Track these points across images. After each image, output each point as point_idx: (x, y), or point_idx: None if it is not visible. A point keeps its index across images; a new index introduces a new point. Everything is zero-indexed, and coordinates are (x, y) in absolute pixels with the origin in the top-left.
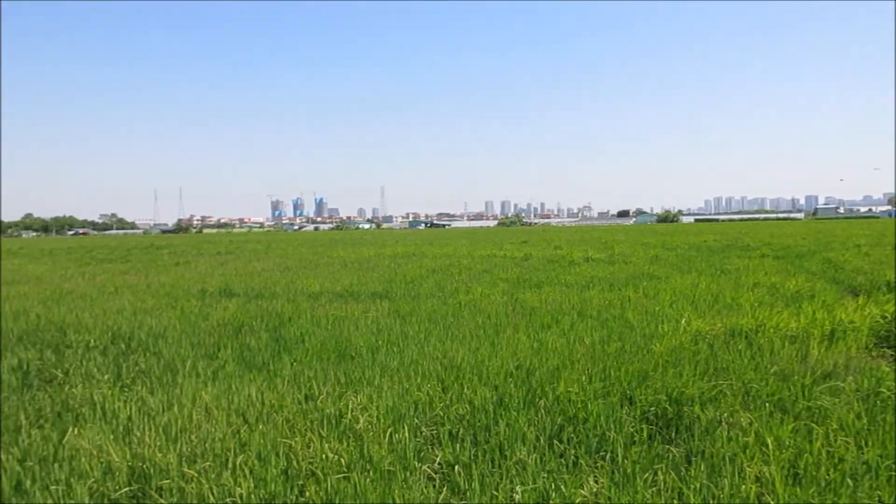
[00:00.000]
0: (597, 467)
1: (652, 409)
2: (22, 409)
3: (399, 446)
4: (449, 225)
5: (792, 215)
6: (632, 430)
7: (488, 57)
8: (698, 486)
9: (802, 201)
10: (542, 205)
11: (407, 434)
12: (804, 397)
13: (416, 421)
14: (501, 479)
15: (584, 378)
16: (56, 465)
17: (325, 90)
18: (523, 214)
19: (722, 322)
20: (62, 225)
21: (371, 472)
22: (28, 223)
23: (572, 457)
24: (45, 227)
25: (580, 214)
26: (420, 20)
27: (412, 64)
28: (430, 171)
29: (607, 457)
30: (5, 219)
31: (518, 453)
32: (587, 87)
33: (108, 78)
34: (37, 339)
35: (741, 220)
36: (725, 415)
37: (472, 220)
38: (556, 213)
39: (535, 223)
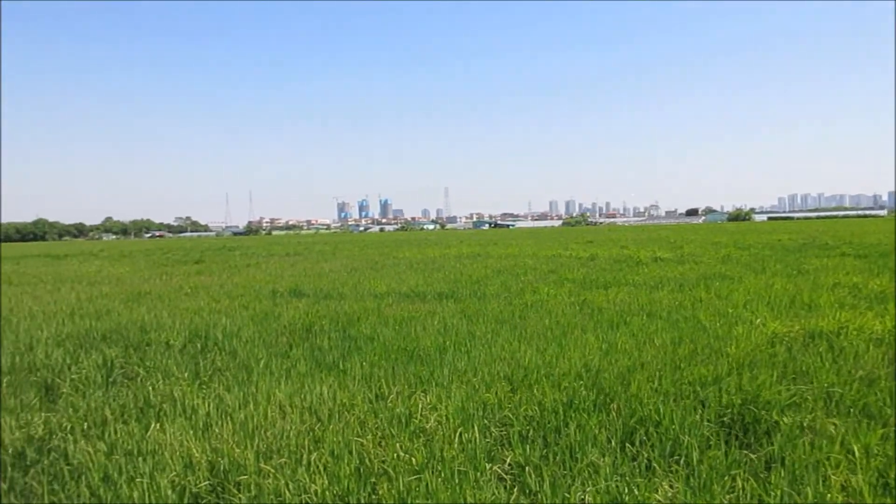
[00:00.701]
0: (671, 471)
1: (727, 412)
2: (107, 404)
3: (469, 446)
4: (513, 225)
5: (874, 212)
6: (706, 433)
7: (552, 57)
8: (779, 493)
9: (885, 198)
10: (608, 204)
11: (477, 434)
12: (893, 403)
13: (486, 421)
14: (573, 481)
15: (655, 380)
16: (140, 459)
17: (389, 92)
18: (588, 214)
19: (800, 324)
20: (140, 228)
21: (442, 472)
22: (108, 226)
23: (645, 460)
24: (124, 229)
25: (646, 213)
26: (483, 22)
27: (476, 65)
28: (494, 171)
29: (682, 461)
30: (87, 221)
31: (589, 455)
32: (654, 86)
33: (181, 86)
34: (119, 337)
35: (818, 217)
36: (807, 420)
37: (536, 220)
38: (621, 212)
39: (601, 223)
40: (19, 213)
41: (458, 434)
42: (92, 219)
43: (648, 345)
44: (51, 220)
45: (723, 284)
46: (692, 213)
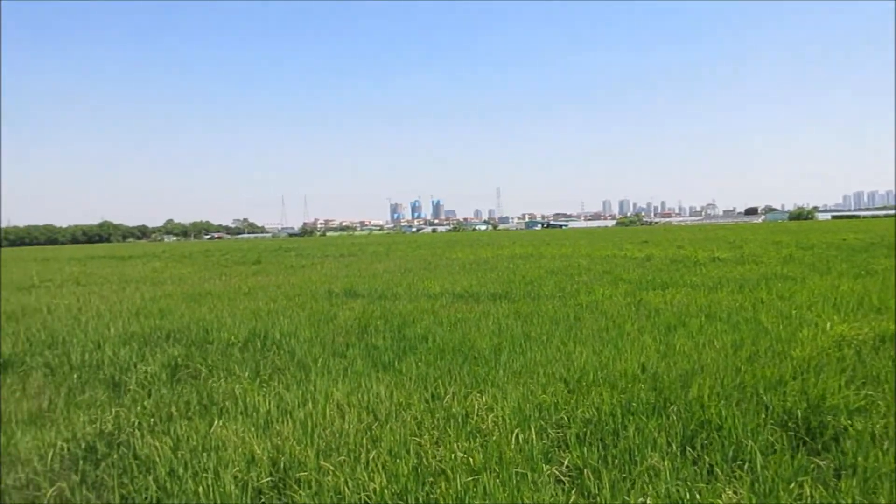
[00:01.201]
0: (734, 476)
1: (791, 417)
2: (172, 401)
3: (526, 447)
4: (566, 225)
5: None
6: (770, 438)
7: (605, 56)
8: (850, 502)
9: None
10: (663, 203)
11: (534, 436)
12: None
13: (542, 423)
14: (632, 485)
15: (716, 383)
16: (205, 455)
17: (441, 93)
18: (643, 213)
19: (870, 326)
20: (199, 229)
21: (500, 473)
22: (169, 228)
23: (707, 465)
24: (184, 231)
25: (703, 213)
26: (533, 22)
27: (528, 65)
28: (546, 171)
29: (745, 466)
30: (149, 224)
31: (649, 459)
32: (708, 85)
33: (238, 90)
34: (182, 336)
35: (885, 216)
36: (878, 427)
37: (589, 219)
38: (676, 211)
39: (656, 222)
40: (87, 215)
41: (514, 435)
42: (154, 221)
43: (708, 347)
44: (115, 222)
45: (785, 285)
46: (751, 212)
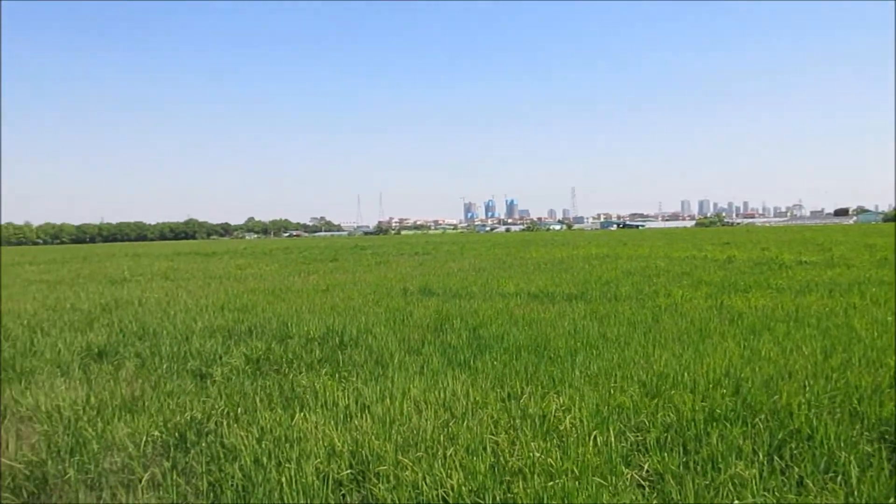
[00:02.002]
0: (826, 489)
1: (888, 428)
2: (255, 393)
3: (605, 450)
4: (642, 225)
5: None
6: (867, 450)
7: (688, 55)
8: None
9: None
10: (745, 203)
11: (612, 438)
12: None
13: (621, 425)
14: (716, 493)
15: (805, 390)
16: (287, 445)
17: (515, 92)
18: (723, 214)
19: None
20: (279, 227)
21: (578, 475)
22: (250, 226)
23: (796, 475)
24: (264, 229)
25: (789, 213)
26: (611, 21)
27: (606, 64)
28: (622, 170)
29: (839, 479)
30: (231, 221)
31: (734, 467)
32: (796, 83)
33: (315, 92)
34: (264, 330)
35: None
36: None
37: (666, 220)
38: (760, 212)
39: (738, 223)
40: (173, 212)
41: (592, 437)
42: (236, 219)
43: (796, 353)
44: (200, 220)
45: (880, 290)
46: (841, 212)
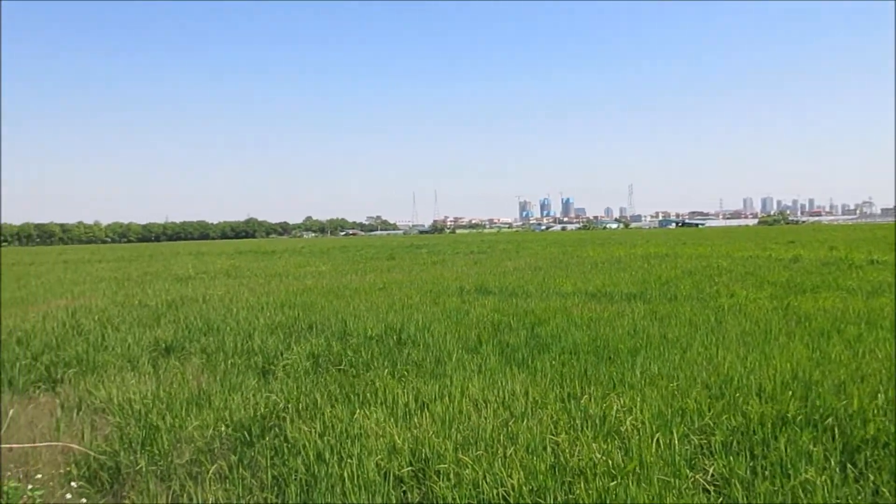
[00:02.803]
0: None
1: None
2: (316, 389)
3: (667, 452)
4: (702, 224)
5: None
6: None
7: (746, 48)
8: None
9: None
10: (811, 201)
11: (676, 441)
12: None
13: (685, 428)
14: (785, 499)
15: (880, 396)
16: (349, 442)
17: (572, 90)
18: (788, 212)
19: None
20: (336, 226)
21: (640, 477)
22: (308, 225)
23: (871, 484)
24: (321, 228)
25: (858, 211)
26: (668, 20)
27: (664, 58)
28: (681, 167)
29: None
30: (290, 220)
31: (804, 473)
32: (864, 74)
33: (370, 94)
34: (323, 328)
35: None
36: None
37: (728, 218)
38: (827, 209)
39: (803, 221)
40: (233, 212)
41: (655, 439)
42: (294, 218)
43: (869, 357)
44: (260, 219)
45: None
46: None
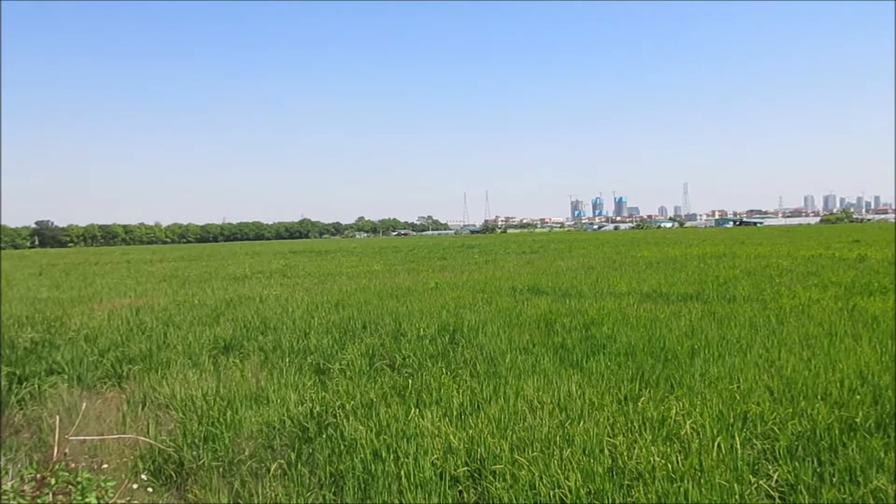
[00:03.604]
0: None
1: None
2: (371, 388)
3: (729, 457)
4: (761, 222)
5: None
6: None
7: (808, 47)
8: None
9: None
10: (876, 198)
11: (738, 445)
12: None
13: (747, 433)
14: None
15: None
16: (404, 441)
17: (627, 88)
18: (851, 209)
19: None
20: (387, 226)
21: (701, 481)
22: (360, 225)
23: None
24: (373, 228)
25: None
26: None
27: (719, 59)
28: (738, 165)
29: None
30: (342, 221)
31: (875, 481)
32: None
33: (426, 95)
34: (377, 327)
35: None
36: None
37: (788, 216)
38: (894, 207)
39: (869, 219)
40: (288, 212)
41: (716, 443)
42: (346, 218)
43: None
44: (313, 219)
45: None
46: None
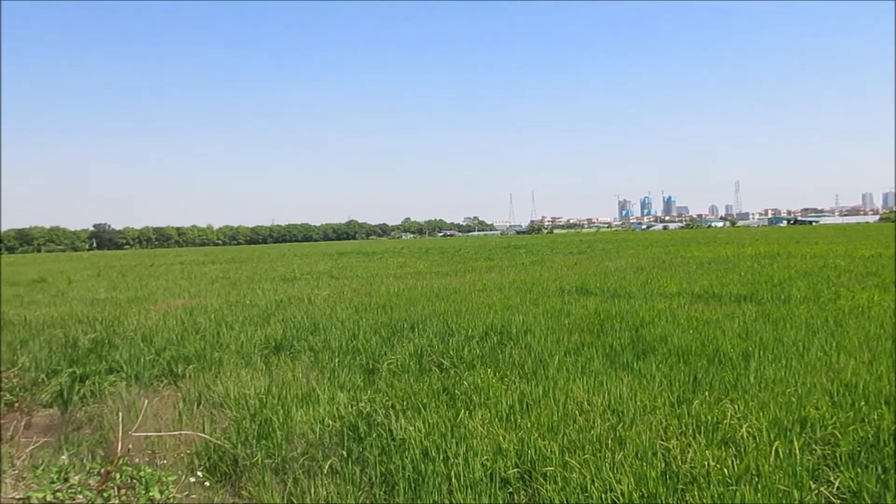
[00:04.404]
0: None
1: None
2: (420, 388)
3: (787, 462)
4: (816, 221)
5: None
6: None
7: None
8: None
9: None
10: None
11: (797, 450)
12: None
13: (805, 437)
14: None
15: None
16: (454, 441)
17: (675, 85)
18: None
19: None
20: (433, 227)
21: (759, 486)
22: (406, 226)
23: None
24: (419, 229)
25: None
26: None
27: (771, 55)
28: (792, 162)
29: None
30: (389, 222)
31: None
32: None
33: (470, 96)
34: (425, 328)
35: None
36: None
37: (845, 215)
38: None
39: None
40: (337, 215)
41: (774, 448)
42: (393, 219)
43: None
44: (360, 221)
45: None
46: None
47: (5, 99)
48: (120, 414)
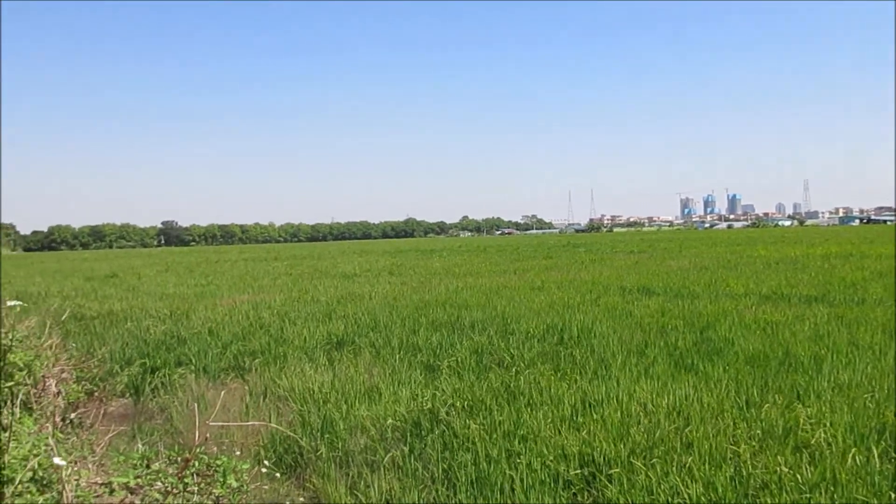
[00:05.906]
0: None
1: None
2: (481, 387)
3: (865, 470)
4: (892, 220)
5: None
6: None
7: None
8: None
9: None
10: None
11: (876, 458)
12: None
13: (884, 445)
14: None
15: None
16: (516, 441)
17: (740, 77)
18: None
19: None
20: (491, 226)
21: (835, 495)
22: (464, 224)
23: None
24: (477, 227)
25: None
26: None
27: (840, 49)
28: (865, 159)
29: None
30: (447, 220)
31: None
32: None
33: (528, 95)
34: (485, 326)
35: None
36: None
37: None
38: None
39: None
40: (394, 212)
41: (851, 455)
42: (451, 217)
43: None
44: (418, 219)
45: None
46: None
47: (67, 98)
48: (195, 404)
